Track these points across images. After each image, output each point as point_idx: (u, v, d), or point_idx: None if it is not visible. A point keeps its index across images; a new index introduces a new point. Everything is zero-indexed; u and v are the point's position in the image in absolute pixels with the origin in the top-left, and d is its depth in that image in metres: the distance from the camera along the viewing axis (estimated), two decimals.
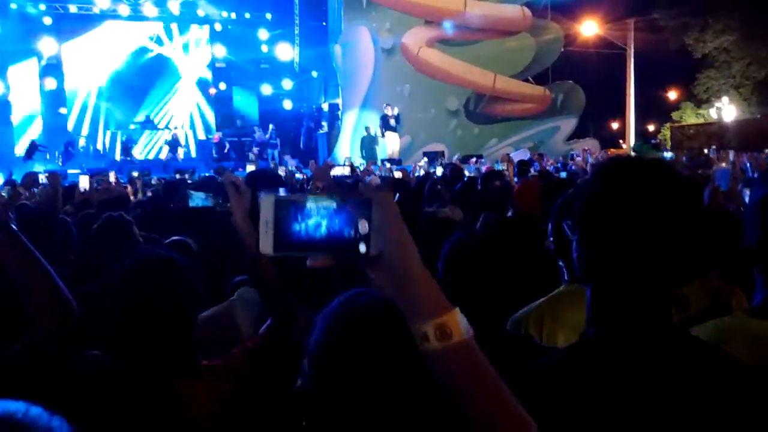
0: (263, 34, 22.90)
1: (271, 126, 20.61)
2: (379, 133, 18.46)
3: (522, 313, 2.01)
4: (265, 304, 2.01)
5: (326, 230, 0.86)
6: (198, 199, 1.98)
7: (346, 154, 18.77)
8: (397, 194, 4.60)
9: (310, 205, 0.86)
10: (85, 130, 20.64)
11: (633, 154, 11.96)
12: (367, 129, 18.99)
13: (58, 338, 1.67)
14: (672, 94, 29.16)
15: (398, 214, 0.88)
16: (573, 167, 10.55)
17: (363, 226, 0.86)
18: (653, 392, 1.12)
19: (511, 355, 1.48)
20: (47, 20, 20.21)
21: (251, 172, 4.13)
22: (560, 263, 2.11)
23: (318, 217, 0.86)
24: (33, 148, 17.14)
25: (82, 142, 19.83)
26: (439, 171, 9.52)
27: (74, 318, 1.73)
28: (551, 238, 2.15)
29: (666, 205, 1.15)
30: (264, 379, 1.82)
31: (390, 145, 18.18)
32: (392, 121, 17.98)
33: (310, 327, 1.15)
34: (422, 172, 11.16)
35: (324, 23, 21.95)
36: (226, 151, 19.84)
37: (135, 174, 10.69)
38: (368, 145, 18.85)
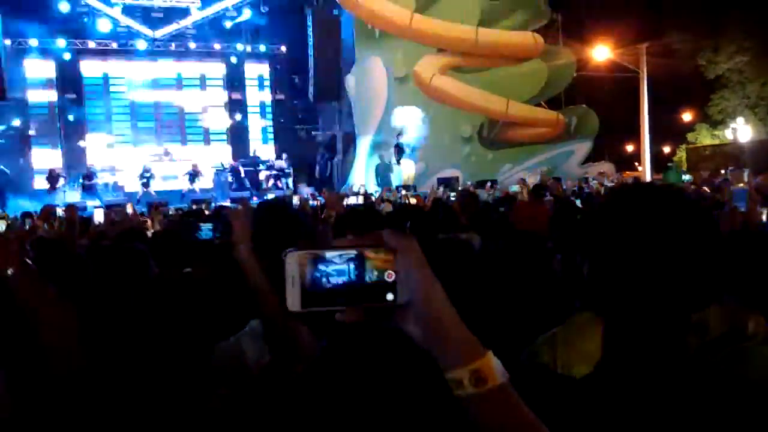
0: (278, 65, 23.23)
1: (284, 155, 20.79)
2: (393, 161, 18.58)
3: (536, 343, 1.99)
4: (267, 338, 2.01)
5: (352, 282, 0.86)
6: (206, 231, 2.01)
7: (361, 181, 18.86)
8: (410, 221, 4.61)
9: (335, 257, 0.86)
10: (104, 163, 20.90)
11: (663, 181, 11.88)
12: (380, 157, 19.12)
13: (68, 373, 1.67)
14: (687, 116, 29.07)
15: (423, 261, 0.87)
16: (587, 191, 10.51)
17: (389, 276, 0.86)
18: (671, 425, 1.09)
19: (526, 384, 1.47)
20: (67, 56, 20.62)
21: (260, 204, 4.16)
22: (573, 289, 2.10)
23: (342, 267, 0.86)
24: (54, 178, 17.41)
25: (103, 175, 20.09)
26: (453, 197, 9.51)
27: (85, 351, 1.74)
28: (563, 265, 2.14)
29: (677, 231, 1.13)
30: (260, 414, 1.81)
31: (405, 171, 18.28)
32: (406, 149, 18.17)
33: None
34: (435, 197, 11.16)
35: (337, 54, 22.20)
36: (243, 176, 19.98)
37: (153, 205, 10.78)
38: (383, 172, 18.97)
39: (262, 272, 2.01)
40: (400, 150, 18.34)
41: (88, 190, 18.39)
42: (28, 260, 1.74)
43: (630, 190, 1.25)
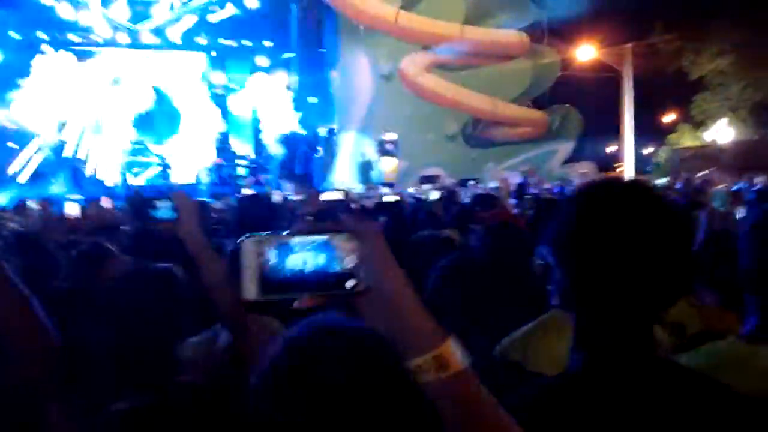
0: (262, 60, 23.09)
1: (268, 150, 20.73)
2: (375, 158, 18.58)
3: (508, 340, 1.98)
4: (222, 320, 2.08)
5: (312, 268, 0.83)
6: (163, 210, 2.05)
7: (343, 178, 18.83)
8: (387, 218, 4.58)
9: (293, 243, 0.83)
10: (82, 156, 20.67)
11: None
12: (362, 154, 19.12)
13: (33, 369, 1.62)
14: (669, 117, 29.31)
15: (385, 247, 0.86)
16: (566, 190, 10.53)
17: (349, 261, 0.84)
18: (642, 423, 1.08)
19: (498, 381, 1.44)
20: (47, 48, 20.36)
21: (240, 198, 4.13)
22: (549, 287, 2.07)
23: (302, 255, 0.83)
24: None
25: (88, 167, 19.91)
26: (435, 195, 9.49)
27: (51, 348, 1.68)
28: (541, 262, 2.12)
29: (645, 227, 1.11)
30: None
31: (385, 169, 18.29)
32: (389, 146, 18.11)
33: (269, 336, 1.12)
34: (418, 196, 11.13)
35: (321, 50, 22.11)
36: (223, 175, 19.89)
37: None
38: (365, 169, 18.96)
39: (211, 252, 2.06)
40: (382, 146, 18.34)
41: (76, 182, 18.20)
42: None
43: (594, 187, 1.23)
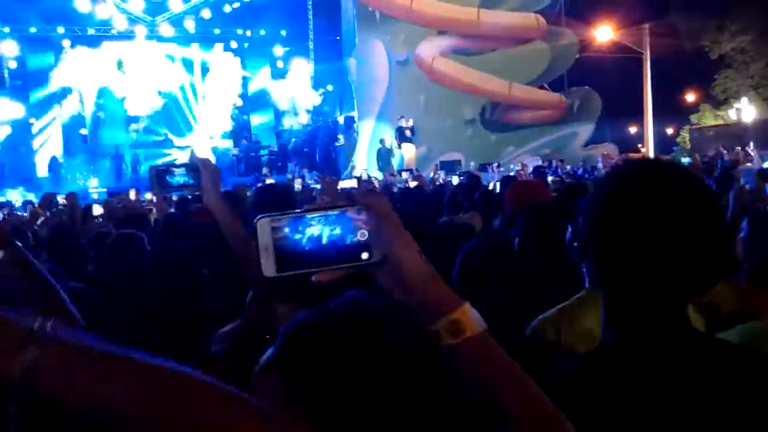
0: (278, 50, 23.10)
1: (294, 139, 20.78)
2: (394, 145, 18.55)
3: (540, 320, 1.97)
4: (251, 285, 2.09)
5: (327, 243, 0.86)
6: (180, 175, 2.02)
7: (363, 166, 18.84)
8: (408, 203, 4.58)
9: (307, 220, 0.86)
10: (104, 149, 20.88)
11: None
12: (382, 141, 19.10)
13: None
14: (690, 97, 28.93)
15: (393, 217, 0.88)
16: (588, 172, 10.46)
17: (362, 234, 0.87)
18: (680, 398, 1.08)
19: (532, 362, 1.44)
20: (66, 42, 20.53)
21: (259, 188, 4.16)
22: (583, 268, 2.07)
23: (316, 230, 0.86)
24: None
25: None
26: (456, 180, 9.48)
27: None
28: (573, 242, 2.12)
29: (679, 207, 1.10)
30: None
31: (406, 155, 18.27)
32: (408, 133, 18.08)
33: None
34: (440, 182, 11.13)
35: (338, 37, 22.08)
36: (241, 164, 20.00)
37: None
38: (384, 157, 18.95)
39: (233, 215, 2.05)
40: (401, 133, 18.30)
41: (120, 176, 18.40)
42: (18, 243, 1.72)
43: (630, 166, 1.22)
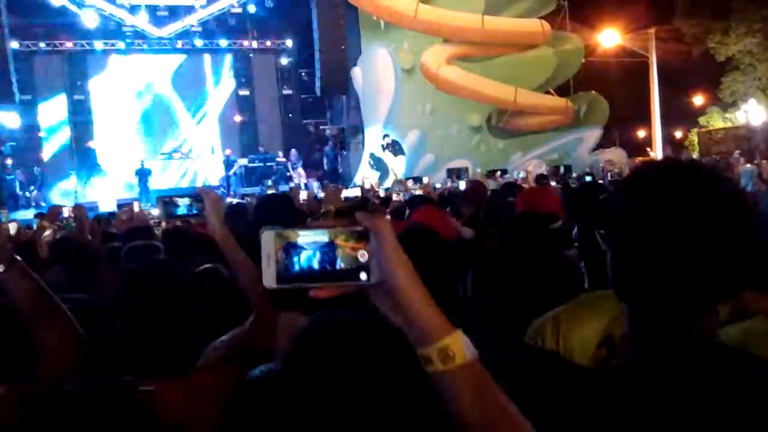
0: (284, 60, 23.22)
1: (293, 150, 20.83)
2: (385, 156, 19.09)
3: (539, 322, 1.96)
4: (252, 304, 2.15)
5: (327, 261, 0.88)
6: (184, 206, 2.18)
7: (367, 174, 18.90)
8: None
9: (310, 236, 0.88)
10: (113, 162, 20.98)
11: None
12: (371, 154, 19.59)
13: (65, 373, 1.67)
14: (698, 99, 28.85)
15: (394, 241, 0.89)
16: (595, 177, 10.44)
17: (362, 256, 0.88)
18: (712, 418, 1.02)
19: (535, 370, 1.43)
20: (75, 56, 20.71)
21: (260, 197, 4.19)
22: (582, 267, 2.07)
23: (317, 247, 0.88)
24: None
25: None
26: (463, 185, 9.49)
27: (83, 351, 1.74)
28: (576, 243, 2.12)
29: (713, 212, 1.04)
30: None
31: (394, 168, 18.79)
32: (390, 148, 18.75)
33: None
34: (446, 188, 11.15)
35: (343, 47, 22.17)
36: (233, 173, 20.10)
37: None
38: (379, 166, 19.45)
39: (236, 245, 2.15)
40: (394, 146, 18.82)
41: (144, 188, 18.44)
42: (17, 257, 1.74)
43: (660, 169, 1.15)
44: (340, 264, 0.88)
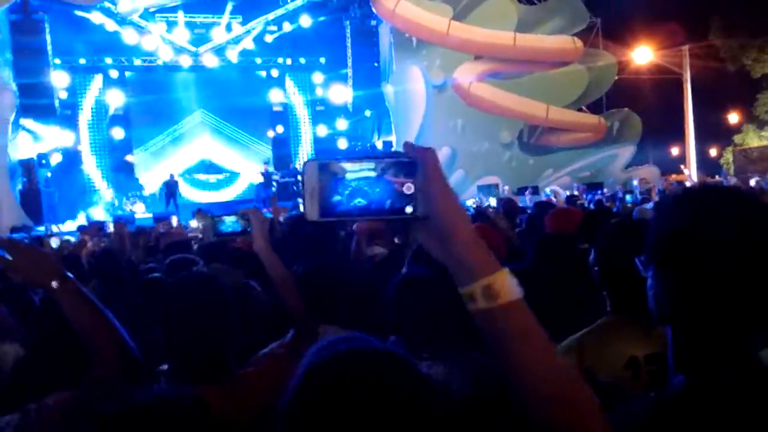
0: (318, 77, 23.49)
1: None
2: None
3: (564, 345, 1.99)
4: (293, 319, 2.26)
5: (372, 192, 0.85)
6: (230, 223, 2.30)
7: None
8: None
9: (355, 168, 0.85)
10: (150, 177, 21.38)
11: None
12: None
13: (114, 380, 1.76)
14: (733, 117, 28.43)
15: (442, 174, 0.87)
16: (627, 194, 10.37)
17: (408, 188, 0.86)
18: None
19: None
20: (114, 73, 21.19)
21: (291, 217, 4.31)
22: (604, 293, 2.10)
23: (363, 180, 0.85)
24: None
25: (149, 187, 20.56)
26: (493, 202, 9.51)
27: (134, 363, 1.84)
28: (595, 268, 2.13)
29: (754, 234, 1.05)
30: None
31: None
32: None
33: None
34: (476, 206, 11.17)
35: (376, 64, 22.36)
36: (273, 189, 20.30)
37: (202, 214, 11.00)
38: None
39: (279, 261, 2.27)
40: None
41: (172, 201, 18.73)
42: (69, 273, 1.82)
43: (703, 193, 1.15)
44: (384, 196, 0.85)
